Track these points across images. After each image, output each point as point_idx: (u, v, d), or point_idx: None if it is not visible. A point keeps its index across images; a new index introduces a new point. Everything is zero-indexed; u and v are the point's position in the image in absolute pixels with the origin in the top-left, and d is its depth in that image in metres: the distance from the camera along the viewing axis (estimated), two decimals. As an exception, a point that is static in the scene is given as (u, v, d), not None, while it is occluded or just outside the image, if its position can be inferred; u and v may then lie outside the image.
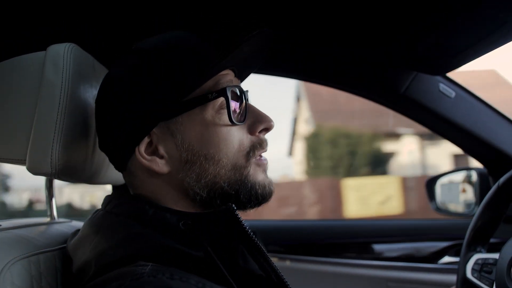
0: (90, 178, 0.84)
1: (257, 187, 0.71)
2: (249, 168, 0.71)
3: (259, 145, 0.73)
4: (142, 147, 0.69)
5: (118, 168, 0.76)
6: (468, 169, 1.48)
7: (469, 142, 1.34)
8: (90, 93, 0.81)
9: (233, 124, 0.69)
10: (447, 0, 0.92)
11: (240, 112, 0.73)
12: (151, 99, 0.68)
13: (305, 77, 1.35)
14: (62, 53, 0.74)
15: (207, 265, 0.61)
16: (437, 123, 1.33)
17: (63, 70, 0.72)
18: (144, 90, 0.68)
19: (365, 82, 1.31)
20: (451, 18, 0.98)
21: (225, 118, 0.69)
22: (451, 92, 1.29)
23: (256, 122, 0.73)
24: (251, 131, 0.73)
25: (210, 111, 0.69)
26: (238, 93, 0.72)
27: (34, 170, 0.71)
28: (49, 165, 0.70)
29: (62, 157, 0.71)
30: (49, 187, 0.99)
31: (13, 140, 0.72)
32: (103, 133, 0.74)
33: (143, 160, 0.69)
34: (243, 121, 0.72)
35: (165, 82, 0.67)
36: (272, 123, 0.74)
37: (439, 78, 1.29)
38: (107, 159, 0.88)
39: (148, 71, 0.69)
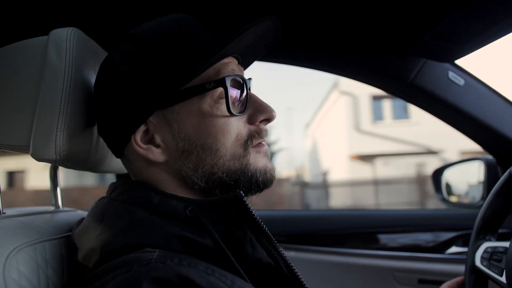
0: (95, 165, 0.83)
1: (258, 174, 0.70)
2: (248, 156, 0.69)
3: (257, 134, 0.72)
4: (138, 135, 0.68)
5: (115, 154, 0.75)
6: (475, 159, 1.47)
7: (478, 130, 1.32)
8: (93, 79, 0.79)
9: (231, 115, 0.68)
10: None
11: (240, 102, 0.71)
12: (147, 87, 0.66)
13: (313, 65, 1.33)
14: (65, 37, 0.73)
15: (215, 252, 0.60)
16: (446, 111, 1.31)
17: (66, 54, 0.71)
18: (141, 77, 0.67)
19: (373, 70, 1.29)
20: (460, 4, 0.96)
21: (224, 108, 0.68)
22: (460, 80, 1.27)
23: (257, 112, 0.72)
24: (251, 121, 0.72)
25: (208, 100, 0.67)
26: (240, 83, 0.71)
27: (38, 156, 0.70)
28: (53, 151, 0.69)
29: (66, 143, 0.70)
30: (54, 176, 0.98)
31: (16, 126, 0.71)
32: (101, 119, 0.73)
33: (139, 149, 0.68)
34: (243, 111, 0.70)
35: (162, 70, 0.66)
36: (273, 113, 0.72)
37: (448, 65, 1.27)
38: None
39: (145, 58, 0.67)
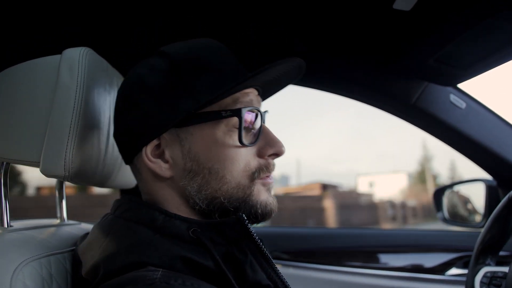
0: (101, 181, 0.85)
1: (258, 206, 0.71)
2: (252, 188, 0.71)
3: (266, 168, 0.73)
4: (149, 148, 0.70)
5: (125, 160, 0.77)
6: (477, 180, 1.47)
7: (479, 153, 1.33)
8: (104, 97, 0.81)
9: (242, 145, 0.70)
10: (460, 12, 0.92)
11: (252, 133, 0.73)
12: (167, 104, 0.68)
13: (317, 86, 1.35)
14: (77, 57, 0.75)
15: (216, 274, 0.61)
16: (447, 134, 1.32)
17: (78, 74, 0.73)
18: (163, 94, 0.69)
19: (376, 91, 1.31)
20: (464, 30, 0.98)
21: (236, 137, 0.69)
22: (462, 103, 1.28)
23: (267, 145, 0.73)
24: (260, 154, 0.73)
25: (222, 127, 0.69)
26: (255, 115, 0.73)
27: (47, 173, 0.71)
28: (63, 168, 0.70)
29: (76, 161, 0.71)
30: (60, 189, 1.00)
31: (27, 143, 0.73)
32: (118, 124, 0.76)
33: (148, 161, 0.70)
34: (254, 143, 0.72)
35: (185, 91, 0.68)
36: (282, 148, 0.74)
37: (450, 89, 1.28)
38: (117, 163, 0.89)
39: (169, 77, 0.70)
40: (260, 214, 0.71)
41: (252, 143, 0.71)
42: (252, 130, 0.73)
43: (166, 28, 1.15)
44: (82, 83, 0.73)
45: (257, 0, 1.04)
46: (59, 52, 0.77)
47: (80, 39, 1.08)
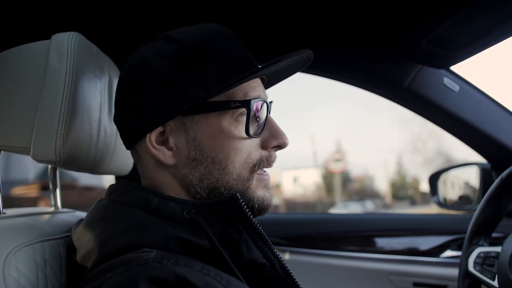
0: (94, 167, 0.85)
1: (255, 200, 0.71)
2: (251, 181, 0.71)
3: (266, 160, 0.73)
4: (154, 135, 0.69)
5: (126, 145, 0.76)
6: (471, 164, 1.48)
7: (473, 136, 1.34)
8: (94, 82, 0.81)
9: (248, 136, 0.70)
10: None
11: (258, 124, 0.73)
12: (174, 91, 0.67)
13: (311, 71, 1.35)
14: (66, 41, 0.74)
15: (211, 253, 0.61)
16: (441, 117, 1.33)
17: (67, 58, 0.73)
18: (170, 80, 0.68)
19: (369, 74, 1.31)
20: (456, 11, 0.98)
21: (242, 128, 0.69)
22: (455, 86, 1.28)
23: (271, 137, 0.73)
24: (263, 145, 0.73)
25: (228, 117, 0.69)
26: (262, 106, 0.72)
27: (38, 158, 0.71)
28: (54, 152, 0.70)
29: (67, 145, 0.71)
30: (53, 177, 0.99)
31: (17, 128, 0.72)
32: (120, 108, 0.74)
33: (152, 148, 0.69)
34: (259, 134, 0.72)
35: (193, 78, 0.67)
36: (286, 141, 0.74)
37: (443, 71, 1.29)
38: (110, 149, 0.89)
39: (177, 63, 0.68)
40: (256, 208, 0.72)
41: (257, 135, 0.71)
42: (258, 122, 0.73)
43: (162, 17, 1.14)
44: (71, 67, 0.72)
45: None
46: (48, 37, 0.76)
47: (69, 25, 1.06)
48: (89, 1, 1.06)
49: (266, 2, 1.09)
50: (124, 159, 0.98)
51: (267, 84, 0.82)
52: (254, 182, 0.71)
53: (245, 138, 0.70)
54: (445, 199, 1.58)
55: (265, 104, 0.72)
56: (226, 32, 0.74)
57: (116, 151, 0.92)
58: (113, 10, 1.11)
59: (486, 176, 1.40)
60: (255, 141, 0.72)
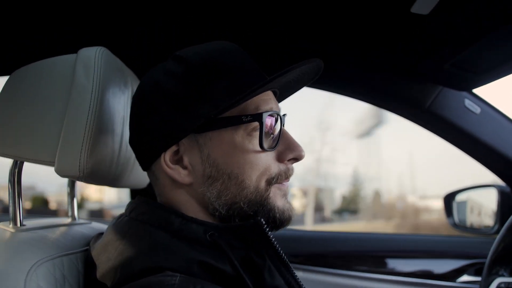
0: (114, 181, 0.85)
1: (276, 211, 0.70)
2: (269, 191, 0.70)
3: (285, 174, 0.72)
4: (168, 154, 0.69)
5: (142, 167, 0.76)
6: (489, 186, 1.46)
7: (493, 159, 1.32)
8: (119, 98, 0.81)
9: (263, 150, 0.69)
10: (478, 17, 0.90)
11: (272, 137, 0.72)
12: (185, 110, 0.68)
13: (333, 89, 1.34)
14: (93, 56, 0.74)
15: (234, 279, 0.61)
16: (461, 139, 1.31)
17: (94, 74, 0.73)
18: (181, 99, 0.68)
19: (391, 95, 1.30)
20: (481, 35, 0.97)
21: (256, 142, 0.69)
22: (476, 108, 1.27)
23: (287, 150, 0.72)
24: (280, 158, 0.72)
25: (241, 132, 0.69)
26: (275, 119, 0.72)
27: (62, 173, 0.71)
28: (78, 168, 0.70)
29: (90, 161, 0.71)
30: (71, 188, 1.00)
31: (42, 142, 0.73)
32: (134, 130, 0.74)
33: (166, 168, 0.69)
34: (274, 147, 0.71)
35: (204, 96, 0.67)
36: (302, 153, 0.73)
37: (464, 93, 1.27)
38: (130, 163, 0.89)
39: (186, 82, 0.69)
40: (278, 219, 0.70)
41: (272, 148, 0.71)
42: (272, 135, 0.72)
43: (178, 29, 1.15)
44: (98, 83, 0.73)
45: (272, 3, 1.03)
46: (73, 51, 0.77)
47: (93, 38, 1.07)
48: (113, 15, 1.07)
49: (283, 18, 1.09)
50: (143, 172, 0.97)
51: (280, 97, 0.82)
52: (272, 191, 0.70)
53: (259, 152, 0.69)
54: (460, 221, 1.55)
55: (278, 116, 0.72)
56: (233, 48, 0.74)
57: (136, 165, 0.91)
58: (135, 24, 1.12)
59: (504, 199, 1.38)
60: (271, 155, 0.71)
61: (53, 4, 1.01)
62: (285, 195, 0.73)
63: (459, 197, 1.58)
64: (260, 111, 0.69)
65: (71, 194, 1.00)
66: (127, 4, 1.04)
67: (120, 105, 0.82)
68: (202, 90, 0.68)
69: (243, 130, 0.69)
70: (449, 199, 1.58)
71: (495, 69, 1.10)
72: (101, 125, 0.73)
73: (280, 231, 0.74)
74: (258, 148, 0.68)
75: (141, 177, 0.98)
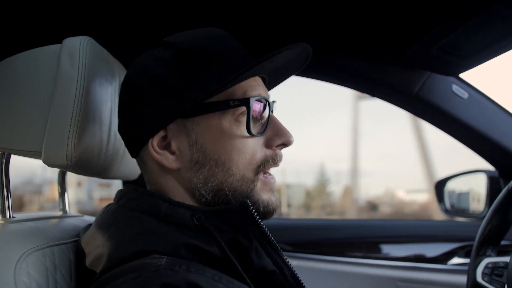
0: (103, 171, 0.85)
1: (260, 203, 0.70)
2: (256, 183, 0.70)
3: (272, 160, 0.72)
4: (156, 140, 0.70)
5: (131, 153, 0.77)
6: (478, 171, 1.47)
7: (481, 143, 1.33)
8: (105, 87, 0.81)
9: (251, 135, 0.69)
10: (463, 0, 0.91)
11: (260, 123, 0.72)
12: (173, 95, 0.68)
13: (320, 77, 1.35)
14: (78, 46, 0.74)
15: (221, 260, 0.61)
16: (449, 124, 1.32)
17: (79, 63, 0.73)
18: (168, 85, 0.68)
19: (378, 82, 1.31)
20: (467, 18, 0.97)
21: (243, 128, 0.69)
22: (464, 93, 1.28)
23: (275, 136, 0.72)
24: (268, 144, 0.72)
25: (229, 117, 0.68)
26: (263, 104, 0.72)
27: (49, 162, 0.71)
28: (65, 157, 0.70)
29: (78, 150, 0.71)
30: (62, 181, 1.00)
31: (29, 133, 0.72)
32: (121, 117, 0.75)
33: (154, 153, 0.70)
34: (262, 133, 0.71)
35: (191, 80, 0.67)
36: (291, 138, 0.72)
37: (452, 79, 1.28)
38: (119, 154, 0.89)
39: (175, 67, 0.68)
40: (262, 212, 0.71)
41: (260, 133, 0.71)
42: (261, 120, 0.72)
43: (167, 19, 1.15)
44: (83, 72, 0.72)
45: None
46: (59, 42, 0.76)
47: (80, 29, 1.07)
48: (100, 4, 1.06)
49: (271, 4, 1.09)
50: (133, 163, 0.98)
51: (270, 85, 0.82)
52: (259, 184, 0.71)
53: (247, 138, 0.69)
54: (451, 206, 1.57)
55: (267, 102, 0.72)
56: (223, 34, 0.74)
57: (125, 155, 0.92)
58: (123, 14, 1.11)
59: (493, 184, 1.39)
60: (259, 141, 0.71)
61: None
62: (271, 189, 0.73)
63: (450, 184, 1.59)
64: (247, 96, 0.68)
65: (62, 187, 1.00)
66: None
67: (108, 95, 0.82)
68: (190, 75, 0.67)
69: (231, 115, 0.69)
70: (440, 186, 1.60)
71: (481, 53, 1.11)
72: (87, 114, 0.73)
73: (274, 220, 0.74)
74: (246, 134, 0.68)
75: (132, 168, 0.99)
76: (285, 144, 0.73)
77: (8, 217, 0.76)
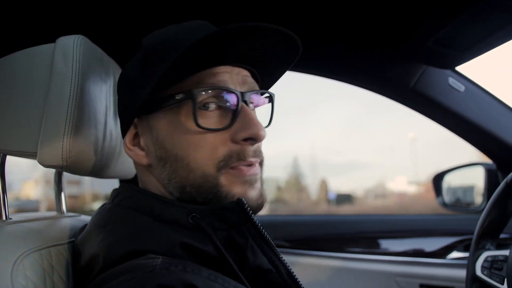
0: (99, 171, 0.84)
1: (230, 199, 0.65)
2: (220, 178, 0.65)
3: (237, 156, 0.65)
4: (128, 136, 0.72)
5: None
6: (476, 164, 1.48)
7: (478, 136, 1.33)
8: (100, 86, 0.80)
9: (207, 130, 0.64)
10: None
11: (222, 117, 0.66)
12: (135, 92, 0.69)
13: (315, 72, 1.34)
14: (72, 45, 0.73)
15: (217, 259, 0.61)
16: (447, 118, 1.32)
17: (73, 62, 0.72)
18: (133, 82, 0.70)
19: (374, 76, 1.31)
20: (462, 10, 0.97)
21: (202, 121, 0.64)
22: (460, 86, 1.28)
23: (240, 129, 0.65)
24: (234, 138, 0.65)
25: (184, 111, 0.65)
26: (224, 97, 0.65)
27: (45, 163, 0.70)
28: (60, 157, 0.69)
29: (73, 150, 0.70)
30: (58, 181, 0.99)
31: (23, 133, 0.72)
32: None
33: (126, 149, 0.72)
34: (226, 127, 0.65)
35: (147, 76, 0.67)
36: (260, 132, 0.65)
37: (448, 72, 1.28)
38: (116, 153, 0.88)
39: (139, 64, 0.71)
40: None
41: (221, 128, 0.65)
42: (223, 113, 0.66)
43: (163, 18, 1.14)
44: (77, 71, 0.72)
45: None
46: (53, 40, 0.76)
47: (74, 28, 1.06)
48: (94, 3, 1.06)
49: (267, 1, 1.09)
50: (129, 162, 0.97)
51: (266, 82, 0.77)
52: (226, 178, 0.65)
53: (204, 132, 0.64)
54: (449, 200, 1.57)
55: (233, 94, 0.65)
56: (199, 26, 0.70)
57: (122, 154, 0.91)
58: (118, 12, 1.11)
59: (491, 177, 1.40)
60: (222, 135, 0.65)
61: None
62: (246, 182, 0.66)
63: (448, 177, 1.60)
64: (200, 86, 0.64)
65: (59, 187, 0.99)
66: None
67: (102, 94, 0.82)
68: (147, 70, 0.68)
69: (186, 109, 0.65)
70: (438, 179, 1.60)
71: (477, 45, 1.11)
72: (82, 113, 0.73)
73: (271, 217, 0.74)
74: (202, 129, 0.64)
75: (128, 167, 0.98)
76: (254, 138, 0.65)
77: (4, 218, 0.75)
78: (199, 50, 0.60)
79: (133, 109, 0.69)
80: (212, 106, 0.65)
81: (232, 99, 0.65)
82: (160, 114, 0.68)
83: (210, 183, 0.65)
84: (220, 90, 0.65)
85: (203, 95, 0.64)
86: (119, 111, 0.76)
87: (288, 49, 0.69)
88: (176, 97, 0.64)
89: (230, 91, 0.65)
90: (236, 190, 0.65)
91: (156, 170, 0.69)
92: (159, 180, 0.70)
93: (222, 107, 0.66)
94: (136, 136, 0.72)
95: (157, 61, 0.67)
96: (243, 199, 0.64)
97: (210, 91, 0.64)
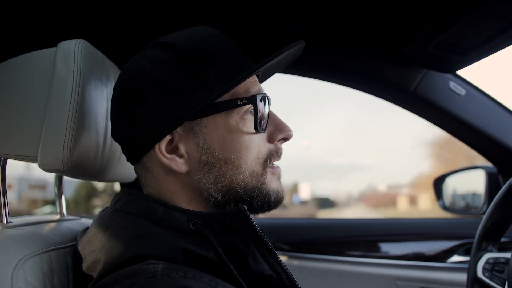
0: (99, 174, 0.84)
1: (271, 194, 0.72)
2: (265, 176, 0.71)
3: (276, 153, 0.73)
4: (163, 144, 0.67)
5: (130, 160, 0.74)
6: (477, 167, 1.47)
7: (479, 140, 1.33)
8: (101, 90, 0.80)
9: (257, 132, 0.70)
10: None
11: (263, 120, 0.72)
12: (180, 98, 0.66)
13: (316, 76, 1.34)
14: (73, 49, 0.74)
15: (218, 265, 0.61)
16: (447, 121, 1.32)
17: (74, 66, 0.72)
18: (173, 87, 0.66)
19: (375, 80, 1.31)
20: (463, 15, 0.97)
21: (250, 125, 0.69)
22: (461, 90, 1.28)
23: (276, 131, 0.74)
24: (270, 139, 0.73)
25: (235, 116, 0.68)
26: (265, 101, 0.72)
27: (46, 167, 0.70)
28: (61, 162, 0.69)
29: (74, 154, 0.70)
30: (59, 185, 0.99)
31: (25, 137, 0.72)
32: (119, 123, 0.72)
33: (163, 158, 0.67)
34: (265, 129, 0.72)
35: (196, 82, 0.66)
36: (291, 133, 0.75)
37: (449, 75, 1.28)
38: (116, 156, 0.88)
39: (178, 69, 0.67)
40: (273, 202, 0.72)
41: (263, 130, 0.72)
42: (263, 117, 0.72)
43: (164, 21, 1.14)
44: (78, 75, 0.72)
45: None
46: (55, 45, 0.76)
47: (75, 32, 1.06)
48: (96, 8, 1.06)
49: (269, 3, 1.09)
50: (130, 166, 0.97)
51: (261, 79, 0.82)
52: (268, 175, 0.72)
53: (252, 134, 0.70)
54: (450, 203, 1.57)
55: (266, 98, 0.72)
56: (218, 33, 0.74)
57: (122, 158, 0.91)
58: (119, 16, 1.11)
59: (492, 180, 1.40)
60: (262, 136, 0.72)
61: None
62: (278, 178, 0.75)
63: (448, 180, 1.59)
64: (251, 94, 0.69)
65: (59, 190, 0.99)
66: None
67: (103, 97, 0.82)
68: (196, 76, 0.66)
69: (236, 113, 0.69)
70: (438, 183, 1.60)
71: (478, 50, 1.11)
72: (83, 117, 0.73)
73: (272, 220, 0.75)
74: (252, 130, 0.69)
75: (129, 171, 0.98)
76: (286, 138, 0.75)
77: (5, 222, 0.75)
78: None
79: (176, 116, 0.66)
80: (260, 110, 0.71)
81: (267, 103, 0.73)
82: (208, 119, 0.68)
83: (257, 181, 0.70)
84: (265, 96, 0.72)
85: (260, 101, 0.70)
86: (142, 117, 0.67)
87: (287, 57, 0.76)
88: (238, 103, 0.68)
89: (268, 97, 0.73)
90: (273, 186, 0.72)
91: (197, 176, 0.68)
92: (193, 186, 0.69)
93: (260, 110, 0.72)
94: (169, 143, 0.68)
95: (204, 68, 0.67)
96: (245, 206, 0.64)
97: (263, 97, 0.71)
